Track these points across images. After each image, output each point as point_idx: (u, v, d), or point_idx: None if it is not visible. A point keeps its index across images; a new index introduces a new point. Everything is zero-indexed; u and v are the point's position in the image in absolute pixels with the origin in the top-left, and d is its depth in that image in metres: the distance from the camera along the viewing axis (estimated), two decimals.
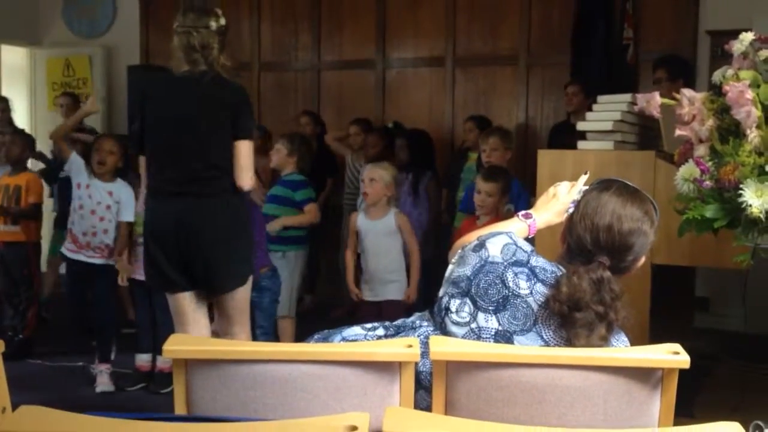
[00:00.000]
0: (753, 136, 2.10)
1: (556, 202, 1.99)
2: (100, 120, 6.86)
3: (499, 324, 1.73)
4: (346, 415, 1.26)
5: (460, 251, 1.85)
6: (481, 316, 1.74)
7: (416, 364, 1.67)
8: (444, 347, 1.65)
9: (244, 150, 3.00)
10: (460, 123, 6.03)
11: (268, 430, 1.25)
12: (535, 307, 1.73)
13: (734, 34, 2.28)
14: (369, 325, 1.94)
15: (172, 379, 1.69)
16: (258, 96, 6.77)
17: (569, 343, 1.70)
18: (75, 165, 4.24)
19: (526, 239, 1.91)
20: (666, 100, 2.34)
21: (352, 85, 6.71)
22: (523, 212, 2.00)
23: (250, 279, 3.16)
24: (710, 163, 2.17)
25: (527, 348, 1.69)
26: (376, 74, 6.58)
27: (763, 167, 2.08)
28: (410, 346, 1.63)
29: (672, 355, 1.61)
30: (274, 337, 4.15)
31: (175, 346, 1.66)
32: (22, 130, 5.28)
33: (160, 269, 3.03)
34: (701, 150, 2.23)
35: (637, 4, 5.54)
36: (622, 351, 1.70)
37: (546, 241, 2.09)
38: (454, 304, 1.77)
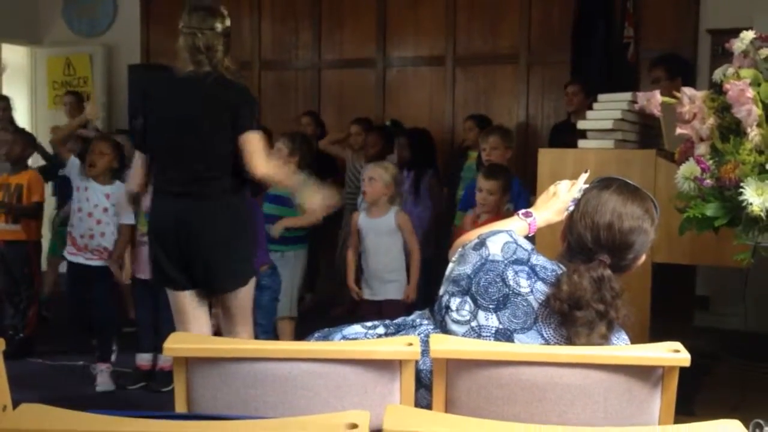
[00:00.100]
0: (754, 134, 2.10)
1: (557, 200, 1.99)
2: (100, 119, 6.86)
3: (500, 322, 1.73)
4: (346, 413, 1.26)
5: (460, 250, 1.85)
6: (481, 314, 1.74)
7: (417, 362, 1.67)
8: (444, 345, 1.65)
9: (251, 139, 2.95)
10: (461, 122, 6.03)
11: (269, 428, 1.25)
12: (535, 305, 1.73)
13: (735, 32, 2.27)
14: (369, 324, 1.95)
15: (172, 377, 1.69)
16: (258, 94, 6.76)
17: (569, 341, 1.70)
18: (74, 168, 4.25)
19: (527, 238, 1.91)
20: (666, 99, 2.34)
21: (352, 84, 6.71)
22: (523, 211, 2.01)
23: (253, 279, 3.16)
24: (711, 162, 2.17)
25: (527, 346, 1.69)
26: (376, 73, 6.58)
27: (763, 166, 2.08)
28: (411, 344, 1.63)
29: (672, 354, 1.61)
30: (274, 336, 4.15)
31: (175, 345, 1.66)
32: (24, 129, 5.28)
33: (161, 267, 3.03)
34: (702, 148, 2.23)
35: (638, 2, 5.54)
36: (622, 349, 1.70)
37: (546, 239, 2.09)
38: (455, 302, 1.77)
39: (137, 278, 4.19)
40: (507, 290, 1.74)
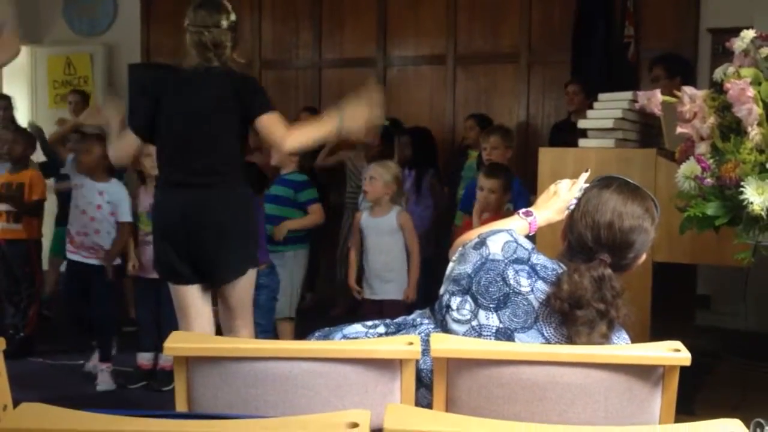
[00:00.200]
0: (754, 133, 2.10)
1: (557, 199, 1.99)
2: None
3: (500, 321, 1.73)
4: (347, 412, 1.26)
5: (460, 249, 1.85)
6: (482, 313, 1.74)
7: (417, 361, 1.67)
8: (445, 345, 1.65)
9: (268, 120, 2.95)
10: (461, 121, 6.02)
11: (270, 427, 1.25)
12: (536, 304, 1.73)
13: (735, 31, 2.27)
14: (370, 323, 1.95)
15: (173, 376, 1.69)
16: None
17: (570, 340, 1.70)
18: (72, 166, 4.26)
19: (527, 237, 1.91)
20: (667, 98, 2.34)
21: (353, 83, 6.62)
22: (523, 210, 2.01)
23: (254, 274, 3.16)
24: (711, 161, 2.17)
25: (528, 345, 1.69)
26: (377, 72, 6.58)
27: (764, 165, 2.08)
28: (411, 343, 1.63)
29: (673, 353, 1.61)
30: (274, 336, 4.14)
31: (175, 344, 1.67)
32: (24, 129, 5.28)
33: (168, 261, 3.03)
34: (702, 147, 2.23)
35: (638, 2, 5.54)
36: (623, 348, 1.70)
37: (547, 238, 2.10)
38: (455, 301, 1.77)
39: (138, 277, 4.19)
40: (507, 289, 1.74)
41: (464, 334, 1.74)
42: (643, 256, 1.83)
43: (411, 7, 6.44)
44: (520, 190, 4.17)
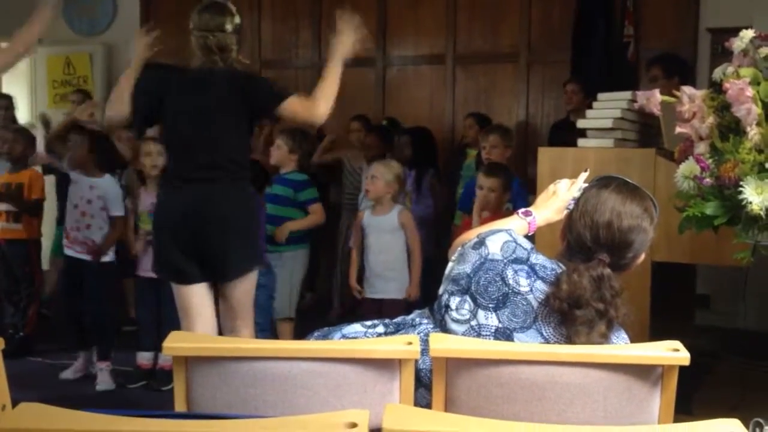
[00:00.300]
0: (753, 133, 2.11)
1: (556, 199, 1.99)
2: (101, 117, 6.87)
3: (499, 321, 1.73)
4: (346, 412, 1.26)
5: (459, 249, 1.85)
6: (481, 313, 1.74)
7: (416, 361, 1.67)
8: (444, 344, 1.65)
9: (289, 105, 3.05)
10: (461, 121, 6.02)
11: (269, 427, 1.25)
12: (535, 304, 1.73)
13: (735, 31, 2.28)
14: (369, 323, 1.95)
15: (172, 376, 1.69)
16: None
17: (569, 340, 1.70)
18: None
19: (526, 237, 1.91)
20: (666, 98, 2.34)
21: (352, 83, 6.65)
22: (522, 210, 2.01)
23: (255, 275, 3.16)
24: (710, 161, 2.17)
25: (527, 345, 1.69)
26: (376, 72, 6.58)
27: (763, 164, 2.08)
28: (410, 343, 1.63)
29: (672, 353, 1.61)
30: (273, 336, 4.14)
31: (175, 344, 1.66)
32: (25, 128, 5.28)
33: (170, 260, 3.03)
34: (701, 147, 2.23)
35: (638, 1, 5.54)
36: (622, 348, 1.70)
37: (546, 238, 2.10)
38: (454, 301, 1.77)
39: (138, 276, 4.19)
40: (506, 289, 1.74)
41: (463, 334, 1.74)
42: (642, 256, 1.83)
43: (411, 7, 6.43)
44: (519, 190, 4.17)
